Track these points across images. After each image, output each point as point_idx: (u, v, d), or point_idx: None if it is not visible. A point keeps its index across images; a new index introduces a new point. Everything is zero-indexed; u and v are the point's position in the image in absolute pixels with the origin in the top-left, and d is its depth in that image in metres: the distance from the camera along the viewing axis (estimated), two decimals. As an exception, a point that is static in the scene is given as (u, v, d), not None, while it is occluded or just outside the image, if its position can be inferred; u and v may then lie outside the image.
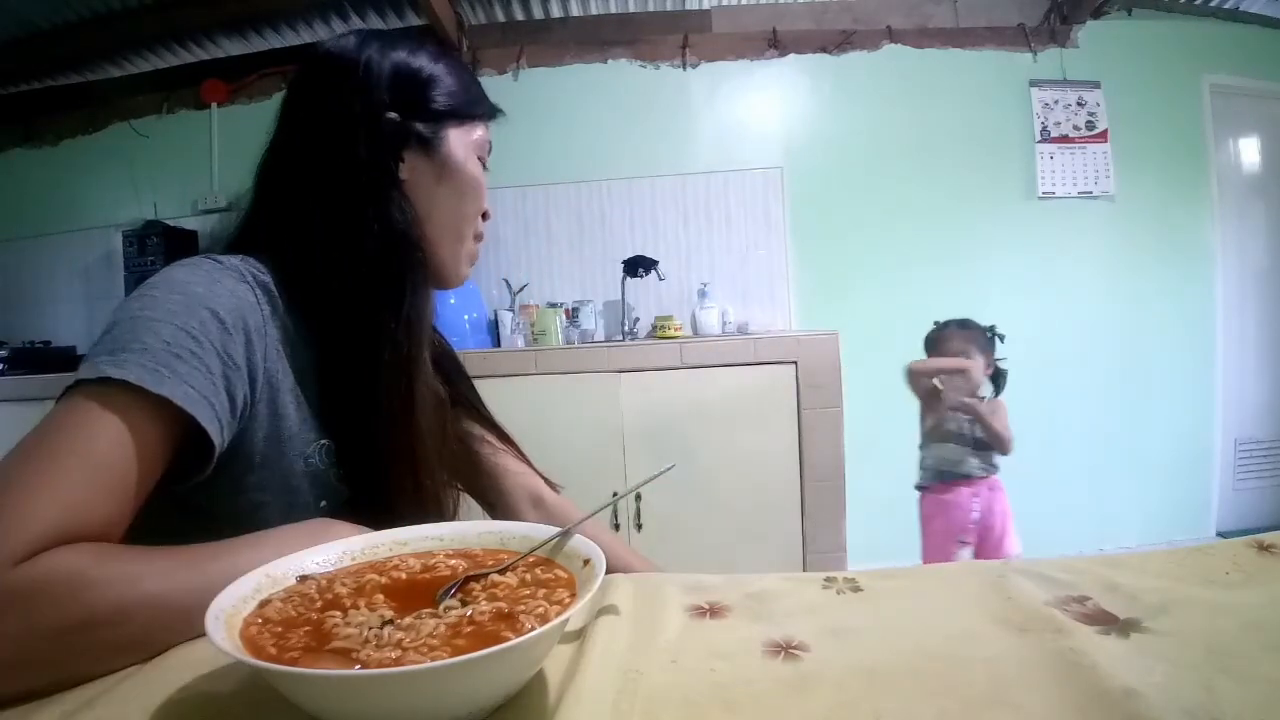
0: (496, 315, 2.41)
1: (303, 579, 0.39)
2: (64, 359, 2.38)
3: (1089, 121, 2.56)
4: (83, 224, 2.66)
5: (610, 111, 2.54)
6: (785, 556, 1.85)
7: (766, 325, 2.45)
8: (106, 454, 0.42)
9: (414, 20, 2.45)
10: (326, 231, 0.58)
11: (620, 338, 2.38)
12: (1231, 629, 0.37)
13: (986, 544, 1.81)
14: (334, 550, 0.42)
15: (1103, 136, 2.56)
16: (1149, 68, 2.59)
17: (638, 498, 1.85)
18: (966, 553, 1.81)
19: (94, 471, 0.41)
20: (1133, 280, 2.59)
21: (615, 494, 0.55)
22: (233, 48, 2.59)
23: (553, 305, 2.42)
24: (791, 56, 2.56)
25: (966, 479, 1.82)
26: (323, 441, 0.58)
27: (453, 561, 0.42)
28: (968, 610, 0.41)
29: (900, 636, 0.39)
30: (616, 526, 1.85)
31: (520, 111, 2.55)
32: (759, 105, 2.56)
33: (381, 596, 0.37)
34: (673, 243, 2.53)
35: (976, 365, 1.80)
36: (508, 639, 0.29)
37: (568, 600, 0.35)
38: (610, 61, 2.57)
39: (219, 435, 0.48)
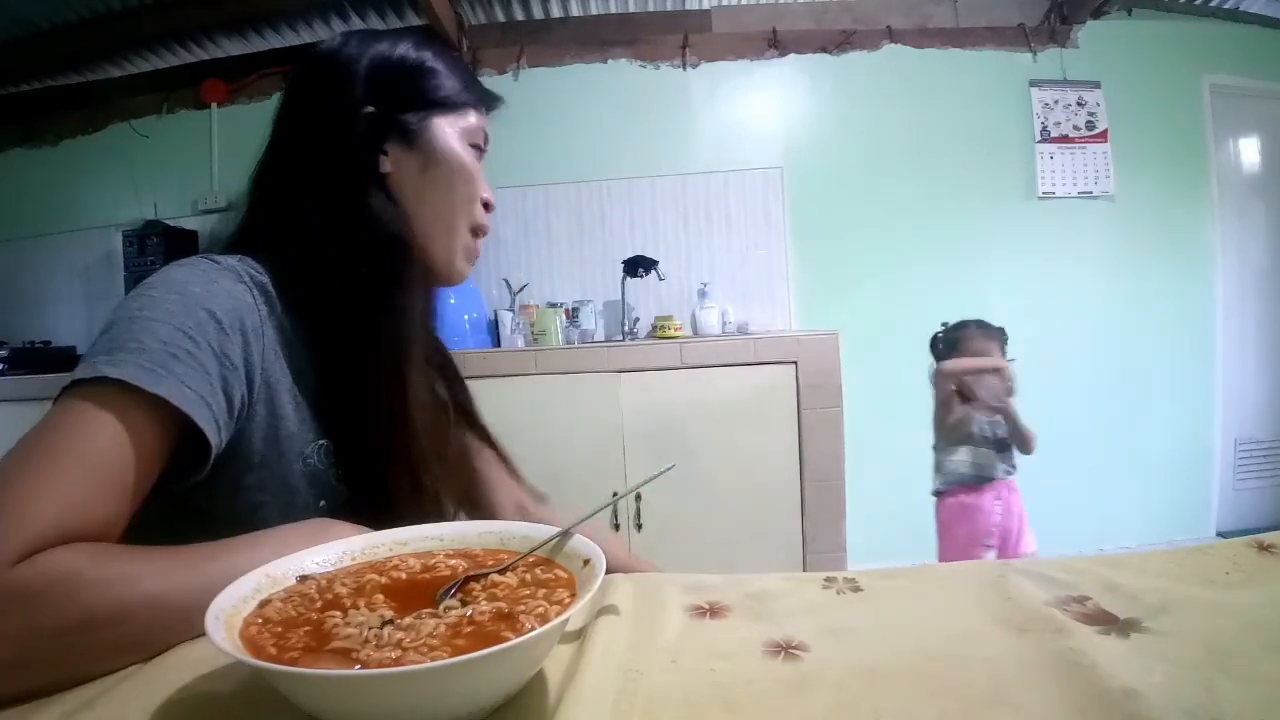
0: (496, 315, 2.41)
1: (303, 579, 0.39)
2: (64, 359, 2.38)
3: (1089, 121, 2.56)
4: (83, 224, 2.66)
5: (610, 111, 2.54)
6: (785, 556, 1.85)
7: (766, 325, 2.45)
8: (104, 453, 0.42)
9: (414, 20, 2.45)
10: (317, 231, 0.58)
11: (620, 338, 2.38)
12: (1231, 629, 0.37)
13: (1005, 546, 1.79)
14: (334, 550, 0.42)
15: (1103, 136, 2.56)
16: (1149, 68, 2.59)
17: (638, 498, 1.85)
18: (991, 556, 1.79)
19: (92, 471, 0.41)
20: (1133, 280, 2.59)
21: (615, 494, 0.55)
22: (233, 48, 2.59)
23: (553, 305, 2.42)
24: (791, 56, 2.56)
25: (990, 481, 1.80)
26: (321, 442, 0.58)
27: (453, 561, 0.42)
28: (968, 610, 0.41)
29: (900, 636, 0.39)
30: (616, 526, 1.85)
31: (520, 111, 2.55)
32: (759, 105, 2.56)
33: (381, 596, 0.37)
34: (673, 243, 2.53)
35: (1009, 364, 1.77)
36: (508, 639, 0.29)
37: (568, 600, 0.35)
38: (610, 61, 2.57)
39: (216, 436, 0.48)
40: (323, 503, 0.58)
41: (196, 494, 0.50)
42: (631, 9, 2.56)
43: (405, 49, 0.63)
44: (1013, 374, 1.77)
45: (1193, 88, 2.62)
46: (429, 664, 0.28)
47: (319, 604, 0.36)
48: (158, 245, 2.36)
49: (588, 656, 0.36)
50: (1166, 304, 2.61)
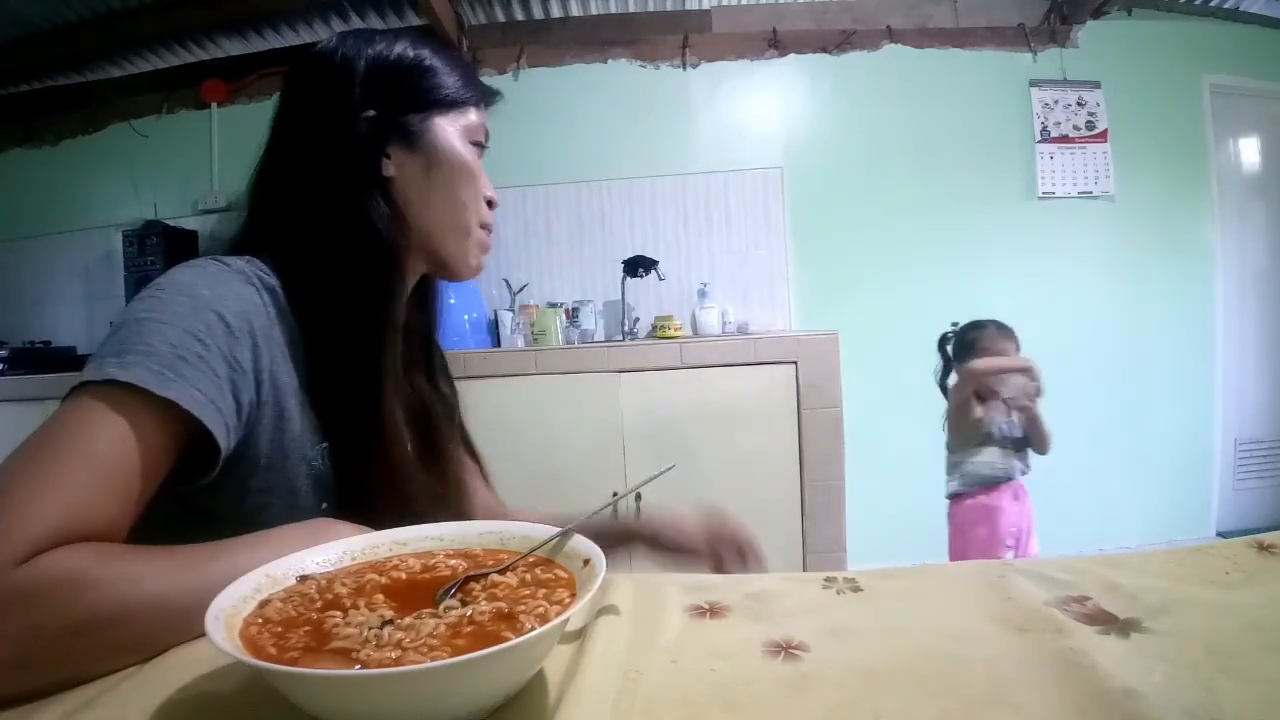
0: (496, 315, 2.41)
1: (303, 579, 0.39)
2: (64, 359, 2.38)
3: (1089, 121, 2.56)
4: (83, 224, 2.66)
5: (610, 111, 2.54)
6: (785, 556, 1.85)
7: (766, 325, 2.45)
8: (110, 455, 0.42)
9: (414, 20, 2.45)
10: (317, 233, 0.58)
11: (620, 338, 2.38)
12: (1231, 629, 0.37)
13: (1018, 547, 1.79)
14: (334, 550, 0.42)
15: (1103, 136, 2.56)
16: (1149, 68, 2.59)
17: (638, 498, 1.83)
18: (1010, 557, 1.78)
19: (97, 473, 0.41)
20: (1133, 280, 2.60)
21: (615, 494, 0.55)
22: (233, 48, 2.59)
23: (553, 305, 2.42)
24: (791, 56, 2.56)
25: (1008, 482, 1.79)
26: (324, 444, 0.58)
27: (453, 561, 0.42)
28: (968, 610, 0.41)
29: (900, 636, 0.39)
30: (616, 526, 1.85)
31: (520, 111, 2.55)
32: (759, 105, 2.56)
33: (381, 596, 0.37)
34: (673, 243, 2.53)
35: (1035, 363, 1.76)
36: (508, 639, 0.29)
37: (568, 600, 0.35)
38: (610, 61, 2.57)
39: (225, 439, 0.48)
40: (325, 505, 0.58)
41: (202, 496, 0.50)
42: (631, 9, 2.56)
43: (403, 48, 0.63)
44: (1039, 373, 1.76)
45: (1193, 88, 2.62)
46: (429, 664, 0.28)
47: (319, 604, 0.36)
48: (158, 245, 2.36)
49: (588, 656, 0.36)
50: (1166, 304, 2.61)
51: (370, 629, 0.32)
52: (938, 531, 2.33)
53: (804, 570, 1.85)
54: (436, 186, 0.63)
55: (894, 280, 2.54)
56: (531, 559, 0.41)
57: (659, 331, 2.32)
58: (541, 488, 1.73)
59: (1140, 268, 2.59)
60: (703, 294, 2.40)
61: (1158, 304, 2.60)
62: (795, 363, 1.85)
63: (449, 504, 0.70)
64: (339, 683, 0.27)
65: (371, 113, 0.60)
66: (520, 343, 2.35)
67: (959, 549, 1.84)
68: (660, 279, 2.38)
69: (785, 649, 0.37)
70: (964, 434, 1.83)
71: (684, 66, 2.56)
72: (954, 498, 1.86)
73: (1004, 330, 1.85)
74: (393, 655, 0.30)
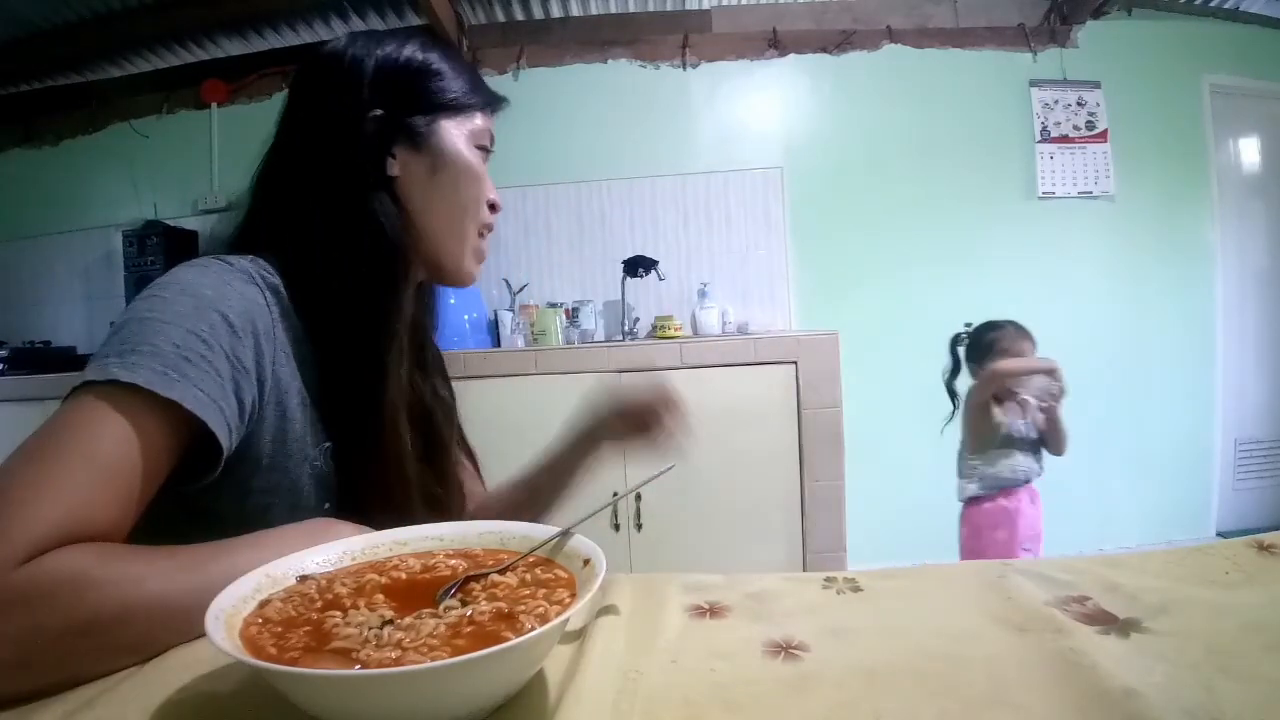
0: (496, 315, 2.41)
1: (303, 579, 0.39)
2: (64, 359, 2.38)
3: (1089, 121, 2.56)
4: (83, 224, 2.66)
5: (610, 111, 2.54)
6: (785, 556, 1.85)
7: (766, 325, 2.45)
8: (112, 455, 0.42)
9: (414, 20, 2.45)
10: (319, 231, 0.58)
11: (620, 338, 2.38)
12: (1231, 629, 0.37)
13: (1033, 548, 1.77)
14: (334, 550, 0.42)
15: (1103, 136, 2.56)
16: (1149, 68, 2.59)
17: (638, 498, 1.85)
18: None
19: (99, 473, 0.41)
20: (1133, 280, 2.60)
21: (615, 494, 0.55)
22: (233, 48, 2.59)
23: (553, 305, 2.42)
24: (791, 56, 2.56)
25: (1027, 484, 1.77)
26: (326, 444, 0.58)
27: (453, 561, 0.42)
28: (968, 610, 0.41)
29: (900, 636, 0.39)
30: (616, 527, 1.85)
31: (520, 111, 2.52)
32: (759, 105, 2.56)
33: (381, 596, 0.37)
34: (673, 243, 2.53)
35: (1058, 363, 1.73)
36: (508, 639, 0.29)
37: (568, 600, 0.35)
38: (610, 61, 2.57)
39: (227, 439, 0.48)
40: (327, 504, 0.58)
41: (204, 496, 0.50)
42: (631, 9, 2.56)
43: (412, 51, 0.63)
44: (1063, 373, 1.73)
45: (1193, 88, 2.62)
46: (429, 664, 0.28)
47: (319, 604, 0.36)
48: (158, 245, 2.36)
49: (588, 656, 0.36)
50: (1166, 304, 2.61)
51: (370, 629, 0.32)
52: (938, 531, 2.33)
53: (804, 570, 1.85)
54: (440, 188, 0.63)
55: (894, 280, 2.54)
56: (531, 559, 0.41)
57: (659, 331, 2.32)
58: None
59: (1140, 268, 2.59)
60: (703, 294, 2.40)
61: (1158, 304, 2.60)
62: (795, 363, 1.85)
63: (448, 505, 0.70)
64: (339, 683, 0.27)
65: (379, 112, 0.60)
66: (520, 343, 2.35)
67: (975, 552, 1.80)
68: (660, 279, 2.38)
69: (785, 649, 0.37)
70: (984, 436, 1.78)
71: (684, 66, 2.56)
72: (971, 501, 1.82)
73: (1022, 330, 1.82)
74: (393, 655, 0.30)
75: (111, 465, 0.42)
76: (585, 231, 2.55)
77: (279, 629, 0.33)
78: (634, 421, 0.75)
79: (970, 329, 1.90)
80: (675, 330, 2.31)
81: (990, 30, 2.58)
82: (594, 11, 2.57)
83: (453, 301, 2.27)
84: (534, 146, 2.49)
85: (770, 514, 1.85)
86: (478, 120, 0.66)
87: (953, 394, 1.93)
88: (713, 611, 0.43)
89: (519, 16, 2.58)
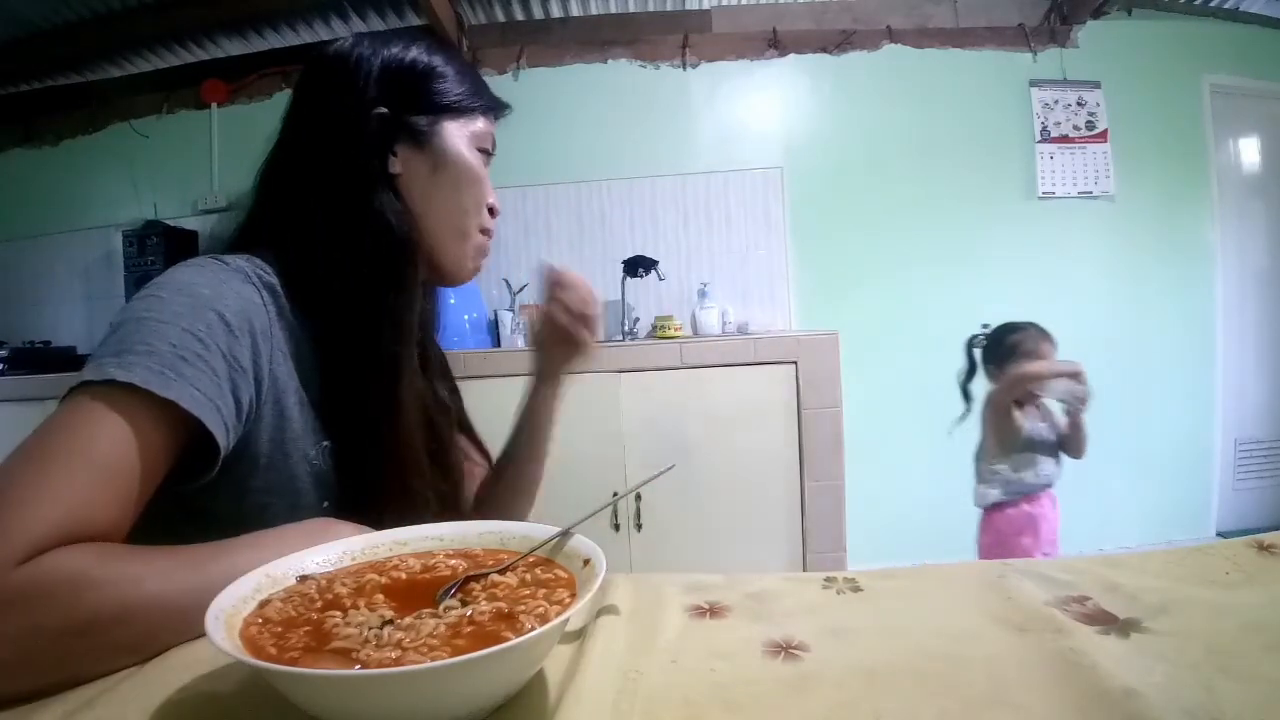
0: (496, 315, 2.41)
1: (303, 579, 0.39)
2: (64, 359, 2.38)
3: (1089, 121, 2.56)
4: (83, 224, 2.66)
5: (610, 111, 2.54)
6: (785, 556, 1.85)
7: (766, 325, 2.45)
8: (110, 455, 0.42)
9: (414, 20, 2.45)
10: (321, 228, 0.59)
11: (620, 338, 2.38)
12: (1231, 629, 0.37)
13: (1051, 552, 1.74)
14: (334, 550, 0.42)
15: (1103, 136, 2.56)
16: (1149, 68, 2.59)
17: (638, 498, 1.85)
18: None
19: (98, 473, 0.41)
20: (1133, 280, 2.59)
21: (615, 494, 0.55)
22: (233, 48, 2.59)
23: (553, 305, 2.41)
24: (791, 56, 2.56)
25: (1048, 488, 1.74)
26: (325, 443, 0.58)
27: (453, 561, 0.42)
28: (968, 610, 0.41)
29: (900, 636, 0.39)
30: (616, 527, 1.85)
31: (520, 111, 2.51)
32: (759, 105, 2.56)
33: (381, 596, 0.37)
34: (673, 243, 2.53)
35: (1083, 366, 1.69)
36: (508, 639, 0.29)
37: (568, 600, 0.35)
38: (610, 61, 2.57)
39: (225, 438, 0.48)
40: (326, 504, 0.58)
41: (202, 496, 0.50)
42: (631, 9, 2.56)
43: (418, 52, 0.63)
44: (1087, 376, 1.68)
45: (1193, 88, 2.62)
46: (429, 664, 0.28)
47: (319, 604, 0.36)
48: (158, 245, 2.36)
49: (588, 656, 0.36)
50: (1166, 304, 2.61)
51: (370, 629, 0.32)
52: (938, 531, 2.33)
53: (804, 570, 1.85)
54: (440, 187, 0.63)
55: (894, 280, 2.54)
56: (531, 559, 0.41)
57: (659, 331, 2.32)
58: (541, 488, 1.73)
59: (1140, 268, 2.59)
60: (703, 294, 2.40)
61: (1158, 304, 2.60)
62: (795, 363, 1.85)
63: (455, 503, 0.71)
64: (339, 683, 0.27)
65: (382, 110, 0.60)
66: (520, 343, 2.34)
67: (998, 559, 1.78)
68: (660, 279, 2.38)
69: (785, 649, 0.37)
70: (1007, 440, 1.73)
71: (684, 66, 2.56)
72: (994, 507, 1.76)
73: (1043, 332, 1.77)
74: (393, 655, 0.30)
75: (110, 465, 0.42)
76: (585, 231, 2.55)
77: (279, 629, 0.33)
78: (561, 335, 0.74)
79: (988, 330, 1.85)
80: (675, 330, 2.31)
81: (990, 30, 2.58)
82: (594, 11, 2.57)
83: (453, 301, 2.27)
84: (534, 146, 2.49)
85: (770, 514, 1.85)
86: (480, 123, 0.66)
87: (967, 396, 1.87)
88: (713, 611, 0.43)
89: (519, 16, 2.58)
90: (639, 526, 1.86)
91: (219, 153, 2.62)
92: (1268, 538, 0.48)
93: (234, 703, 0.34)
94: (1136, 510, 2.60)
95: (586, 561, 0.39)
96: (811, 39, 2.56)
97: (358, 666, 0.29)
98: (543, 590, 0.37)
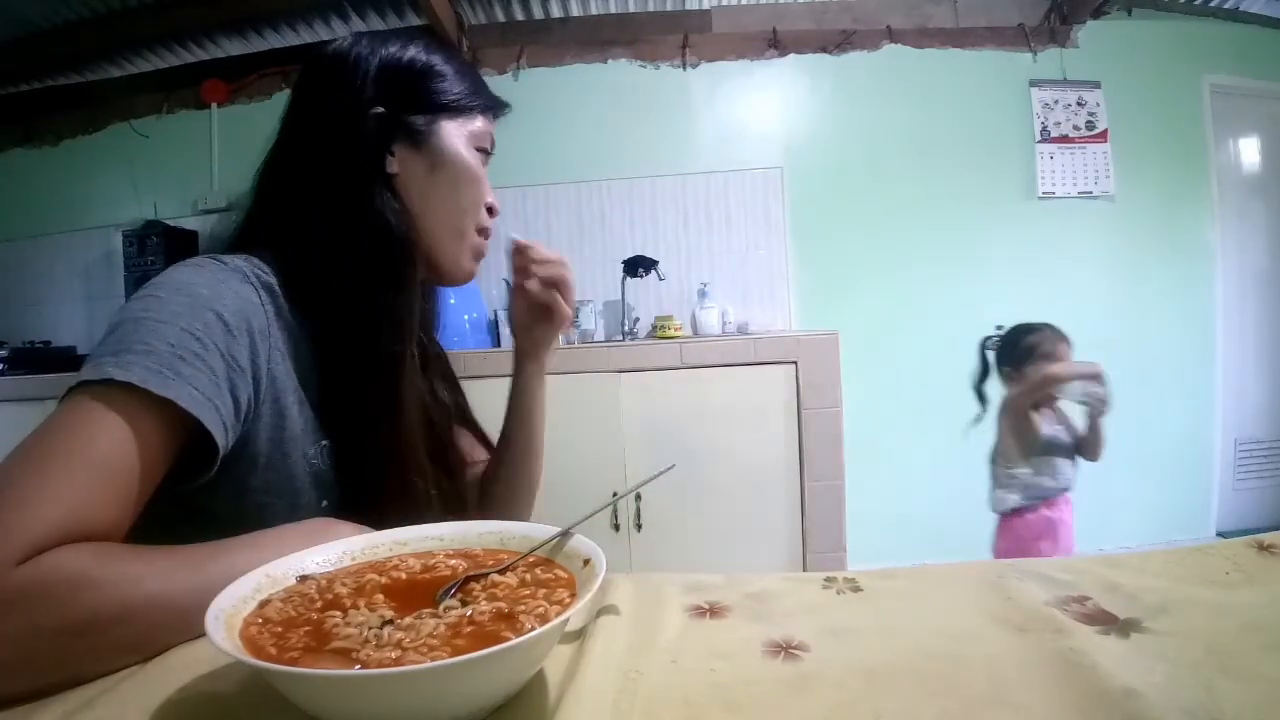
0: (496, 315, 2.41)
1: (303, 579, 0.39)
2: (64, 359, 2.38)
3: (1089, 121, 2.56)
4: (83, 224, 2.66)
5: (610, 111, 2.54)
6: (785, 556, 1.85)
7: (766, 325, 2.45)
8: (110, 455, 0.42)
9: (414, 20, 2.45)
10: (319, 228, 0.59)
11: (620, 338, 2.38)
12: (1231, 629, 0.37)
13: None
14: (334, 550, 0.42)
15: (1103, 136, 2.56)
16: (1149, 68, 2.59)
17: (638, 498, 1.85)
18: None
19: (97, 472, 0.41)
20: (1133, 280, 2.59)
21: (615, 494, 0.55)
22: (233, 48, 2.59)
23: (553, 305, 2.41)
24: (791, 56, 2.56)
25: (1066, 492, 1.71)
26: (324, 442, 0.58)
27: (453, 561, 0.42)
28: (968, 610, 0.41)
29: (900, 636, 0.39)
30: (616, 527, 1.85)
31: (520, 111, 2.51)
32: (759, 105, 2.56)
33: (381, 596, 0.37)
34: (673, 243, 2.53)
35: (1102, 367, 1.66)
36: (508, 639, 0.29)
37: (568, 600, 0.35)
38: (610, 61, 2.57)
39: (223, 437, 0.48)
40: (325, 503, 0.58)
41: (201, 496, 0.50)
42: (631, 9, 2.56)
43: (416, 52, 0.63)
44: (1106, 377, 1.66)
45: (1193, 88, 2.62)
46: (429, 664, 0.28)
47: (319, 604, 0.36)
48: (158, 245, 2.36)
49: (588, 656, 0.36)
50: (1166, 304, 2.61)
51: (370, 629, 0.32)
52: (938, 531, 2.33)
53: (804, 570, 1.85)
54: (438, 187, 0.63)
55: (894, 280, 2.54)
56: (531, 559, 0.41)
57: (659, 331, 2.32)
58: (541, 488, 1.73)
59: (1140, 268, 2.59)
60: (703, 294, 2.40)
61: (1158, 304, 2.60)
62: (795, 363, 1.85)
63: (456, 502, 0.71)
64: (339, 683, 0.27)
65: (380, 109, 0.60)
66: (520, 343, 2.34)
67: None
68: (660, 279, 2.38)
69: (785, 649, 0.37)
70: (1027, 444, 1.69)
71: (684, 66, 2.56)
72: (1012, 513, 1.72)
73: (1059, 333, 1.74)
74: (393, 655, 0.30)
75: (109, 465, 0.42)
76: (585, 231, 2.55)
77: (279, 629, 0.33)
78: (539, 309, 0.72)
79: (1002, 331, 1.81)
80: (675, 330, 2.31)
81: (990, 30, 2.58)
82: (594, 11, 2.57)
83: (453, 301, 2.27)
84: (534, 146, 2.49)
85: (770, 514, 1.85)
86: (478, 123, 0.66)
87: (982, 398, 1.83)
88: (713, 611, 0.43)
89: (519, 16, 2.58)
90: (639, 526, 1.86)
91: (219, 153, 2.62)
92: (1268, 538, 0.48)
93: (234, 703, 0.34)
94: (1136, 510, 2.60)
95: (586, 561, 0.39)
96: (811, 39, 2.56)
97: (358, 666, 0.29)
98: (543, 590, 0.37)
